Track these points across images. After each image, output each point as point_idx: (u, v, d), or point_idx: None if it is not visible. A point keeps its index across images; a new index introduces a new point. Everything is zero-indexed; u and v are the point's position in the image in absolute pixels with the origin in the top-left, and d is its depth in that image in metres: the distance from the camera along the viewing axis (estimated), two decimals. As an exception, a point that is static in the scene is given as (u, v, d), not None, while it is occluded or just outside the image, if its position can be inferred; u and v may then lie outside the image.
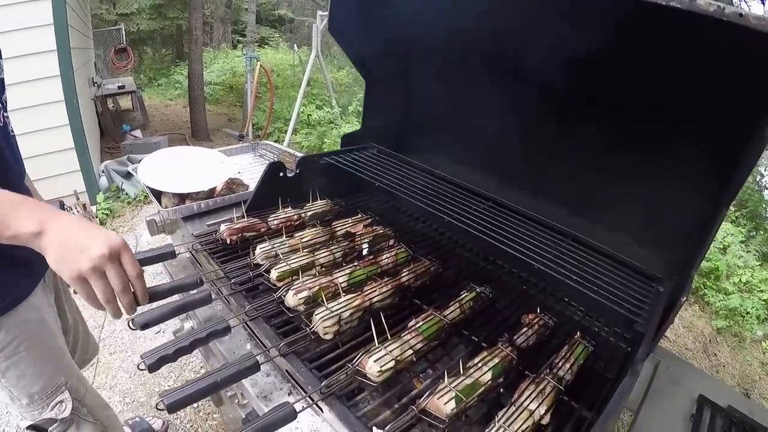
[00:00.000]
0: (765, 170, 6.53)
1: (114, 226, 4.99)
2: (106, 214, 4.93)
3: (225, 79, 10.67)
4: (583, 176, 1.53)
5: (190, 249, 1.55)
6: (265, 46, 12.85)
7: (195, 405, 2.92)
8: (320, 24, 6.17)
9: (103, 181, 5.61)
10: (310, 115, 8.14)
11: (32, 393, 1.39)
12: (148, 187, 1.92)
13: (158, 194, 1.95)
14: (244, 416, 1.24)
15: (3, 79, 1.37)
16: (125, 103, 8.71)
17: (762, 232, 6.21)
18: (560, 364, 1.16)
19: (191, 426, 2.81)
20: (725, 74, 1.03)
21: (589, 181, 1.53)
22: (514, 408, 0.98)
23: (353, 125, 7.72)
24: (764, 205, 6.62)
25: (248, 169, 2.45)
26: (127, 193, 5.57)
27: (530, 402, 1.00)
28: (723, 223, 5.36)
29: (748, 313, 4.74)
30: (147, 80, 11.60)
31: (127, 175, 5.83)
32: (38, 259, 1.24)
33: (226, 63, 11.04)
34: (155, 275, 3.93)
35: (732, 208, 6.20)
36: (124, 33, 9.56)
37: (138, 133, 7.60)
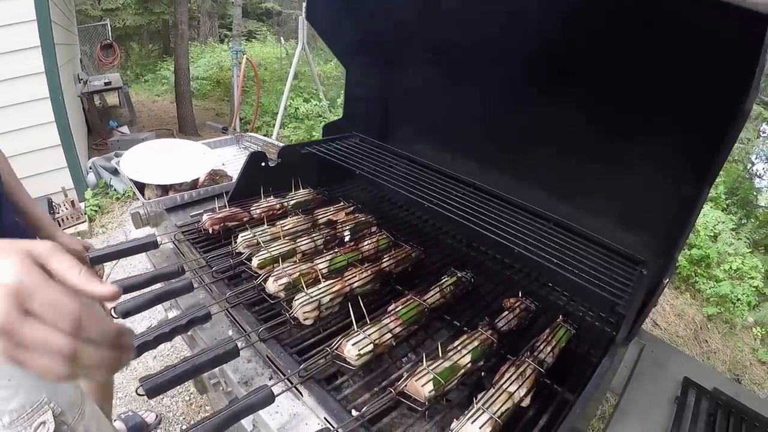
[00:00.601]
0: (755, 158, 6.48)
1: (103, 222, 4.95)
2: (95, 211, 4.87)
3: (212, 74, 10.56)
4: (564, 161, 1.52)
5: (173, 239, 1.53)
6: (253, 40, 12.73)
7: (187, 398, 2.91)
8: (304, 14, 6.11)
9: (91, 178, 5.56)
10: (298, 108, 8.09)
11: (11, 410, 1.24)
12: (131, 179, 1.90)
13: (141, 186, 1.92)
14: (228, 403, 1.23)
15: None
16: (112, 99, 8.61)
17: (753, 220, 6.28)
18: (541, 347, 1.15)
19: (184, 419, 2.80)
20: (704, 55, 1.03)
21: (571, 166, 1.52)
22: (493, 390, 0.97)
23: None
24: (754, 193, 6.64)
25: (232, 161, 2.43)
26: (115, 189, 5.52)
27: (510, 384, 1.00)
28: (714, 211, 5.37)
29: (738, 299, 4.80)
30: (134, 76, 11.45)
31: (115, 171, 5.78)
32: None
33: (213, 57, 10.93)
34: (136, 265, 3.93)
35: (723, 196, 6.23)
36: (110, 29, 9.40)
37: (125, 129, 7.53)
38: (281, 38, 10.20)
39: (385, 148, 1.91)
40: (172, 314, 1.47)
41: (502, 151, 1.70)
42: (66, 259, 0.56)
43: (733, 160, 6.84)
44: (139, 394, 0.91)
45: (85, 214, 4.69)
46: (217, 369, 1.13)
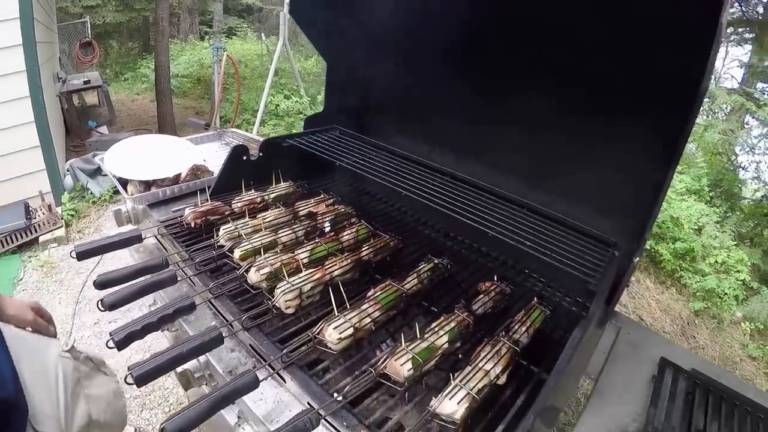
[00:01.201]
0: (739, 150, 6.55)
1: (80, 227, 4.86)
2: (72, 215, 4.75)
3: (192, 72, 10.44)
4: (537, 149, 1.56)
5: (156, 234, 1.55)
6: (233, 37, 12.62)
7: (167, 410, 2.90)
8: (288, 12, 6.10)
9: (68, 181, 5.45)
10: (278, 105, 8.05)
11: None
12: (114, 175, 1.91)
13: (124, 183, 1.93)
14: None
15: None
16: (91, 98, 8.48)
17: (738, 212, 6.24)
18: (516, 327, 1.19)
19: None
20: (666, 41, 1.08)
21: (543, 154, 1.56)
22: (470, 368, 1.01)
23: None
24: (738, 185, 6.60)
25: (214, 156, 2.43)
26: (92, 193, 5.41)
27: (486, 362, 1.03)
28: (698, 203, 5.37)
29: (725, 293, 4.77)
30: (113, 75, 11.26)
31: (93, 174, 5.69)
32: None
33: (193, 55, 10.79)
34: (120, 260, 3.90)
35: (706, 188, 6.27)
36: (89, 26, 9.25)
37: (104, 129, 7.42)
38: (262, 35, 10.12)
39: (365, 140, 1.94)
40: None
41: (477, 140, 1.74)
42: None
43: (717, 152, 6.85)
44: (128, 383, 0.94)
45: (62, 219, 4.58)
46: (202, 362, 1.16)
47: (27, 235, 4.27)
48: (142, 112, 9.14)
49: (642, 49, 1.16)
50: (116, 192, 5.62)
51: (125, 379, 0.94)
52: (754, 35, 6.47)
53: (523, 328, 1.19)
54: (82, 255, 1.37)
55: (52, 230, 4.40)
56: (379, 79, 1.98)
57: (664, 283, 5.19)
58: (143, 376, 0.94)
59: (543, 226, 1.39)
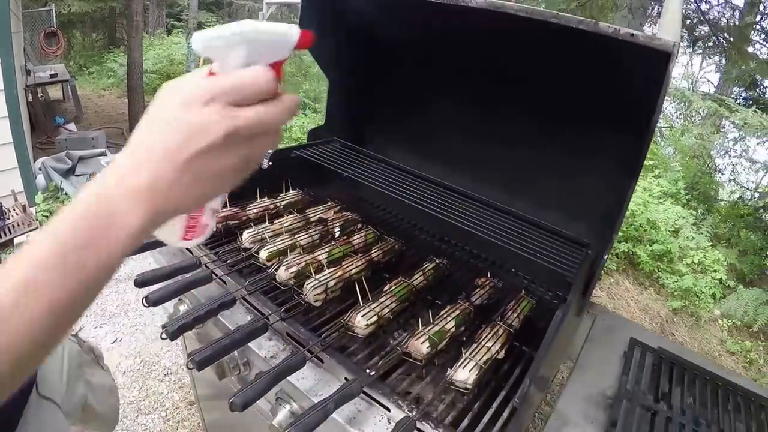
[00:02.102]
0: (715, 153, 6.95)
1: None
2: (46, 216, 4.83)
3: (162, 68, 10.53)
4: (519, 163, 1.89)
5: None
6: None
7: (164, 414, 3.06)
8: (266, 12, 6.32)
9: (40, 180, 5.47)
10: (253, 106, 8.20)
11: None
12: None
13: None
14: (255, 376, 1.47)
15: None
16: (55, 92, 8.45)
17: (714, 214, 6.65)
18: (509, 314, 1.50)
19: None
20: (627, 76, 1.39)
21: (525, 167, 1.89)
22: (476, 345, 1.32)
23: (300, 118, 7.92)
24: (714, 187, 7.04)
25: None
26: (66, 193, 5.46)
27: (488, 341, 1.34)
28: (674, 206, 5.73)
29: (702, 292, 5.12)
30: (77, 67, 11.26)
31: (66, 174, 5.74)
32: None
33: (162, 50, 10.89)
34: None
35: (682, 191, 6.68)
36: (54, 15, 9.24)
37: (72, 126, 7.42)
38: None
39: (363, 152, 2.21)
40: (182, 307, 1.72)
41: (466, 154, 2.04)
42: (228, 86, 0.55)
43: (693, 156, 7.34)
44: (189, 368, 1.17)
45: (37, 220, 4.64)
46: (236, 353, 1.39)
47: (1, 237, 4.28)
48: (110, 108, 9.17)
49: (606, 86, 1.48)
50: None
51: (186, 365, 1.17)
52: (722, 49, 6.91)
53: (515, 315, 1.50)
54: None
55: (27, 231, 4.44)
56: (377, 96, 2.27)
57: (642, 284, 5.55)
58: (203, 361, 1.16)
59: (526, 230, 1.68)
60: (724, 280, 5.38)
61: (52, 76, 7.45)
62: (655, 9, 6.96)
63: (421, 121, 2.16)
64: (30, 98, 6.99)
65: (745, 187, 6.74)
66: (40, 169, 5.51)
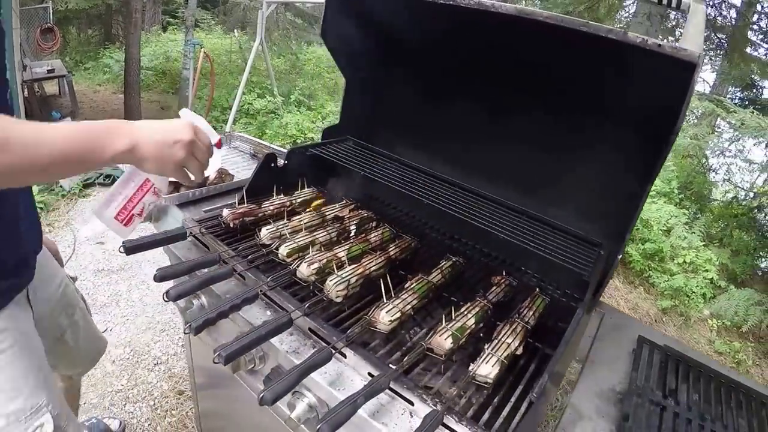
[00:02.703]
0: (709, 153, 7.01)
1: (49, 221, 4.95)
2: (41, 208, 4.88)
3: (157, 64, 10.52)
4: (533, 163, 1.91)
5: (198, 232, 1.79)
6: (196, 29, 12.67)
7: (152, 403, 3.09)
8: (266, 10, 6.30)
9: (36, 173, 5.52)
10: (251, 104, 8.23)
11: (8, 413, 1.32)
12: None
13: None
14: (264, 376, 1.50)
15: None
16: (51, 88, 8.43)
17: (707, 214, 6.72)
18: (524, 311, 1.54)
19: (149, 425, 2.96)
20: (648, 83, 1.42)
21: (538, 167, 1.91)
22: (497, 341, 1.35)
23: (295, 115, 7.92)
24: (708, 187, 7.13)
25: (225, 159, 2.67)
26: (61, 186, 5.49)
27: (507, 337, 1.38)
28: (667, 205, 5.75)
29: (693, 292, 5.17)
30: (73, 63, 11.21)
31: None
32: (23, 273, 1.46)
33: (158, 47, 10.87)
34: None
35: (675, 191, 6.73)
36: (51, 11, 9.20)
37: (68, 121, 7.43)
38: (235, 31, 10.26)
39: (376, 150, 2.24)
40: (196, 301, 1.73)
41: (479, 153, 2.06)
42: (198, 128, 1.27)
43: (687, 155, 7.38)
44: (215, 362, 1.19)
45: None
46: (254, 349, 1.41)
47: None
48: (105, 104, 9.16)
49: (625, 90, 1.51)
50: (86, 186, 5.72)
51: (213, 360, 1.16)
52: (723, 50, 6.96)
53: (531, 312, 1.54)
54: (131, 250, 1.59)
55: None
56: (392, 95, 2.29)
57: (632, 282, 5.62)
58: (231, 356, 1.17)
59: (538, 228, 1.72)
60: (716, 280, 5.43)
61: (49, 71, 7.43)
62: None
63: (435, 121, 2.18)
64: (26, 93, 6.97)
65: (739, 187, 6.79)
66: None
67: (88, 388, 3.11)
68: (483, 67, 1.89)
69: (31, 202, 1.54)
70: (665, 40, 1.51)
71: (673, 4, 1.66)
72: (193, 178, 1.32)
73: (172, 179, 1.93)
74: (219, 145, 1.36)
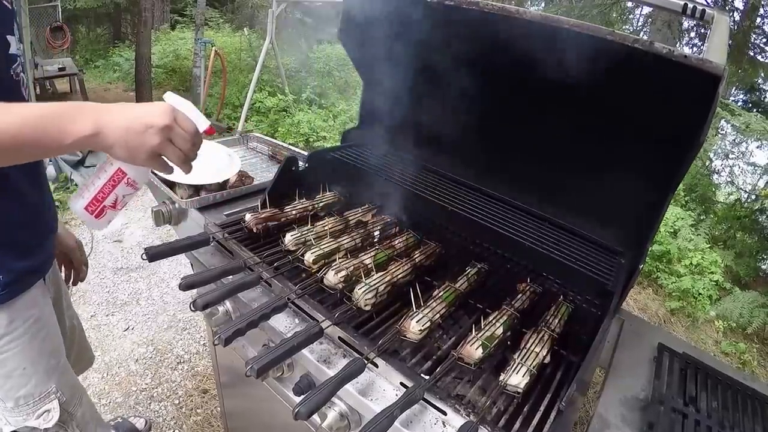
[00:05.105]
0: (714, 155, 6.96)
1: (65, 219, 4.94)
2: (57, 206, 4.87)
3: (167, 62, 10.49)
4: (555, 171, 1.88)
5: (221, 237, 1.77)
6: (206, 27, 12.66)
7: (176, 402, 3.09)
8: (276, 9, 6.27)
9: (51, 171, 5.51)
10: (262, 102, 8.22)
11: (18, 397, 1.36)
12: (159, 178, 2.09)
13: (171, 185, 2.09)
14: (293, 386, 1.47)
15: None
16: (62, 86, 8.45)
17: (712, 216, 6.66)
18: (550, 319, 1.53)
19: (175, 423, 2.95)
20: (673, 95, 1.39)
21: (560, 175, 1.88)
22: (525, 350, 1.35)
23: (307, 113, 7.90)
24: (713, 189, 7.00)
25: (243, 161, 2.65)
26: (76, 184, 5.50)
27: (535, 346, 1.37)
28: (673, 207, 5.71)
29: (700, 293, 5.14)
30: (83, 61, 11.20)
31: (76, 165, 5.76)
32: (41, 254, 1.42)
33: (168, 45, 10.85)
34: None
35: (681, 193, 6.66)
36: (59, 10, 9.20)
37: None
38: (245, 30, 10.22)
39: (394, 154, 2.23)
40: (221, 308, 1.71)
41: (501, 160, 2.04)
42: (181, 114, 1.12)
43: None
44: (247, 375, 1.16)
45: None
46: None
47: (11, 224, 4.34)
48: (115, 101, 9.04)
49: (647, 100, 1.49)
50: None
51: (246, 374, 1.15)
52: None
53: (556, 320, 1.53)
54: (153, 257, 1.58)
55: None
56: (410, 99, 2.27)
57: (641, 283, 5.57)
58: (263, 368, 1.16)
59: (561, 236, 1.72)
60: (721, 282, 5.41)
61: (60, 69, 7.43)
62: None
63: (456, 127, 2.16)
64: (38, 91, 6.98)
65: (742, 190, 6.76)
66: (50, 160, 5.53)
67: (113, 387, 3.12)
68: (502, 73, 1.87)
69: (46, 183, 1.53)
70: (688, 50, 1.49)
71: (697, 15, 1.64)
72: (176, 169, 1.19)
73: (180, 177, 1.91)
74: (209, 132, 1.21)
